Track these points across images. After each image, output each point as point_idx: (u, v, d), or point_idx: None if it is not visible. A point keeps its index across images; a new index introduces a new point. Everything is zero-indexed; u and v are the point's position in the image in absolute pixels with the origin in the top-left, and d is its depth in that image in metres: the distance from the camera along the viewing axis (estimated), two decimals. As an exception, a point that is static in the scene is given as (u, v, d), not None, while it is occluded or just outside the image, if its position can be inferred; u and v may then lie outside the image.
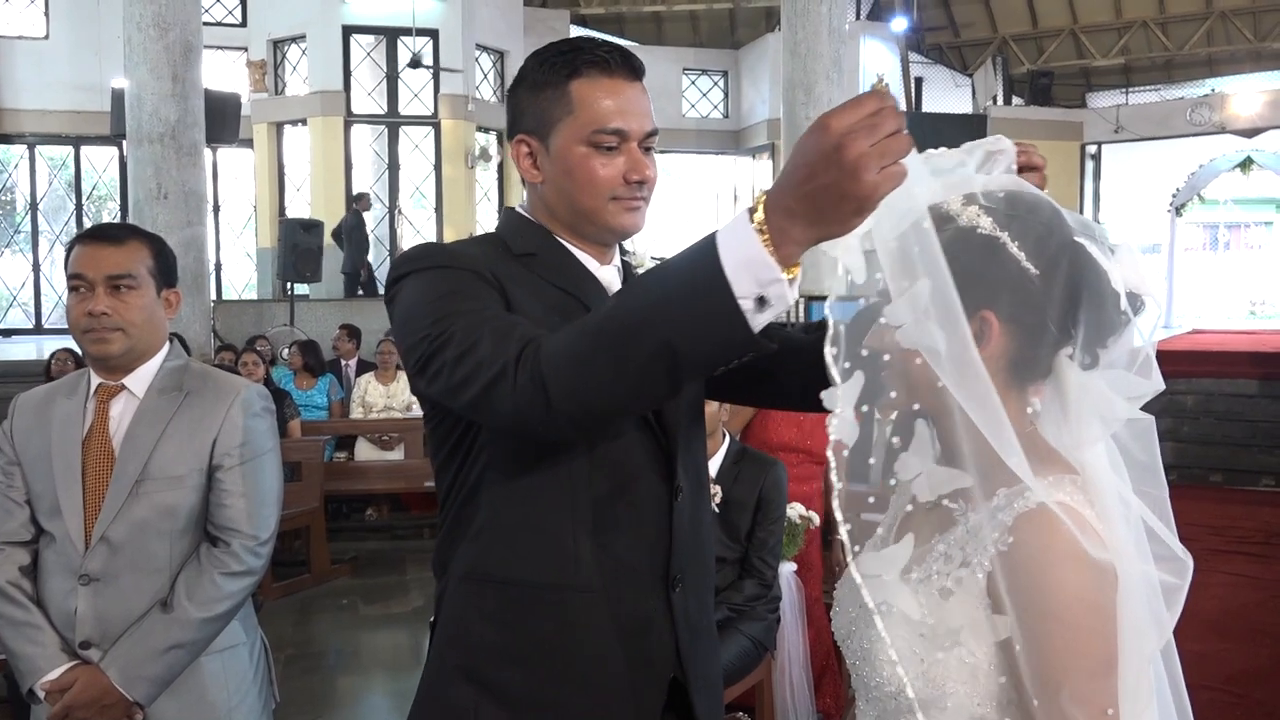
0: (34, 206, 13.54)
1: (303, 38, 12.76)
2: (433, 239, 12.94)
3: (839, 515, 1.06)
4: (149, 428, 1.93)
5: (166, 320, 2.03)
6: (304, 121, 12.87)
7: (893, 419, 1.07)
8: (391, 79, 12.85)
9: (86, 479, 1.91)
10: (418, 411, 7.38)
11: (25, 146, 13.39)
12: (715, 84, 16.66)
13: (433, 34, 12.61)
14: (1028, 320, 1.04)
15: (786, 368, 1.45)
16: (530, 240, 1.42)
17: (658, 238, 13.77)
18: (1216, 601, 4.98)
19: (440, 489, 1.44)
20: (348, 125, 12.77)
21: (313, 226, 10.37)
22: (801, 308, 10.81)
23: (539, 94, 1.38)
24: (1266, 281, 17.23)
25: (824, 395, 1.06)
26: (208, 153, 9.35)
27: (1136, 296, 1.04)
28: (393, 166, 13.04)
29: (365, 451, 7.34)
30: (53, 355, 6.97)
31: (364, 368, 8.15)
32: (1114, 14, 16.73)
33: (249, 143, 12.81)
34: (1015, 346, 1.06)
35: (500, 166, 13.87)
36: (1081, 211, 16.00)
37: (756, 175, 16.39)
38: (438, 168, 13.04)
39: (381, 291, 8.06)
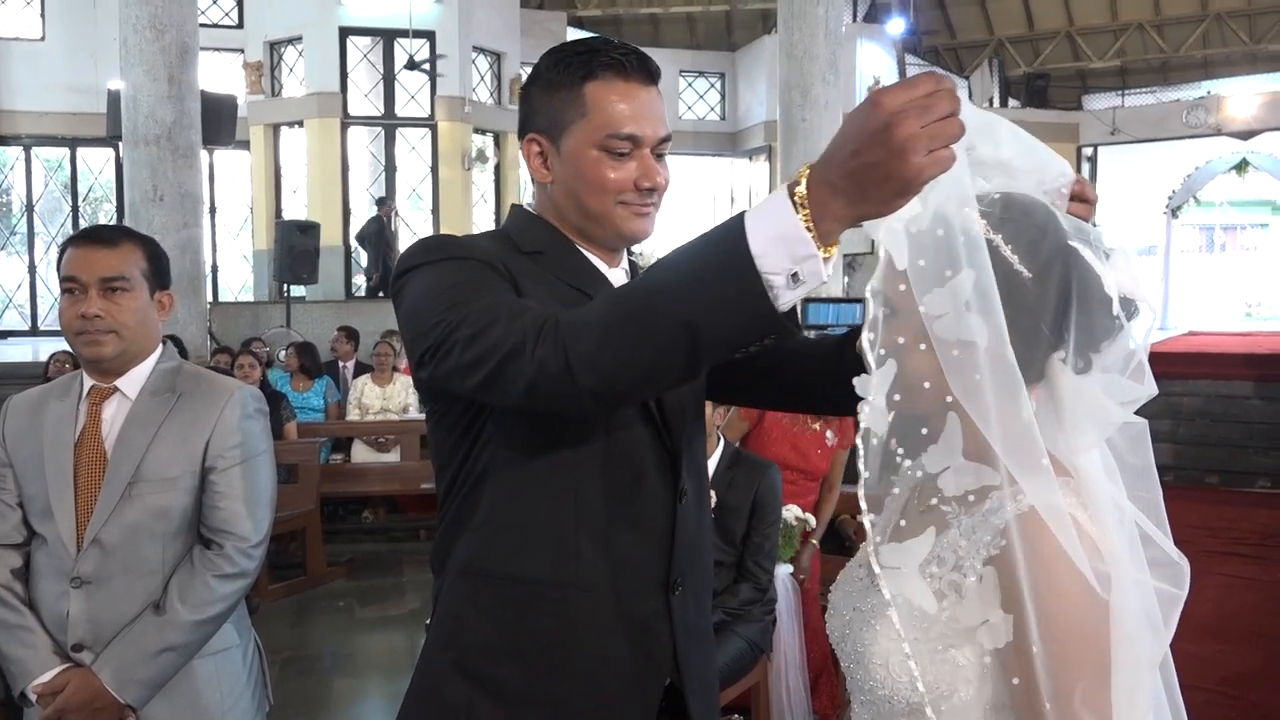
0: (30, 208, 13.52)
1: (299, 39, 12.75)
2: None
3: (863, 505, 1.05)
4: (141, 430, 1.92)
5: (160, 322, 2.02)
6: (300, 123, 12.86)
7: (924, 410, 1.05)
8: (388, 81, 12.85)
9: (79, 481, 1.90)
10: (414, 414, 7.44)
11: (21, 148, 13.37)
12: (712, 86, 16.68)
13: (429, 35, 12.61)
14: (1021, 323, 1.03)
15: (791, 369, 1.45)
16: (538, 238, 1.41)
17: (656, 239, 13.74)
18: (1212, 603, 4.99)
19: (441, 484, 1.43)
20: (344, 127, 12.77)
21: (309, 228, 10.36)
22: (799, 307, 10.82)
23: (553, 94, 1.37)
24: (1262, 283, 17.27)
25: (857, 382, 1.04)
26: (204, 154, 9.33)
27: (1130, 301, 1.04)
28: (389, 168, 13.03)
29: (361, 453, 7.33)
30: (51, 357, 6.95)
31: (361, 369, 8.14)
32: (1110, 16, 16.77)
33: (245, 144, 12.80)
34: (1008, 350, 1.05)
35: (497, 168, 13.87)
36: (1078, 213, 16.02)
37: (753, 177, 16.41)
38: (434, 169, 13.04)
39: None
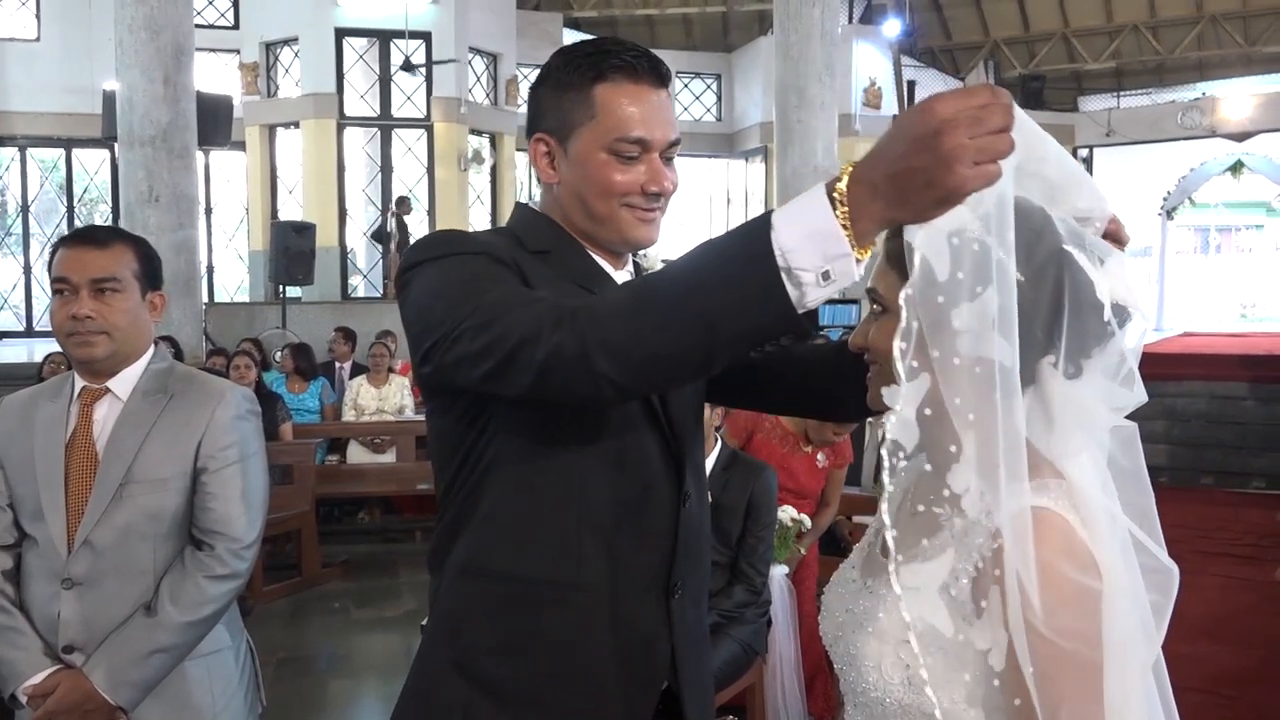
0: (25, 209, 13.51)
1: (295, 40, 12.75)
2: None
3: (886, 520, 1.04)
4: (133, 431, 1.91)
5: (151, 323, 2.01)
6: (296, 124, 12.85)
7: (953, 428, 1.04)
8: (384, 81, 12.84)
9: (70, 482, 1.90)
10: (410, 414, 7.44)
11: (16, 149, 13.36)
12: (708, 87, 16.70)
13: (425, 36, 12.61)
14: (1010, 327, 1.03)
15: (791, 372, 1.44)
16: (545, 238, 1.39)
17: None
18: (1207, 604, 4.98)
19: (441, 482, 1.42)
20: (340, 128, 12.77)
21: (305, 229, 10.35)
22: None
23: (562, 95, 1.35)
24: (1257, 284, 17.31)
25: (886, 392, 1.03)
26: (199, 155, 9.32)
27: (1123, 308, 1.04)
28: (385, 169, 13.03)
29: (357, 454, 7.32)
30: (46, 358, 6.93)
31: (358, 370, 8.14)
32: (1105, 18, 16.79)
33: (241, 145, 12.80)
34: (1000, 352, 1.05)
35: (493, 169, 13.86)
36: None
37: (750, 178, 16.43)
38: (430, 171, 13.04)
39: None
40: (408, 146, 13.10)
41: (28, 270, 13.43)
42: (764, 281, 0.99)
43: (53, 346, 7.29)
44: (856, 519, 4.00)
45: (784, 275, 0.99)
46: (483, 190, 13.89)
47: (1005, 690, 1.00)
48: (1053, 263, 1.03)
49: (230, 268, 14.14)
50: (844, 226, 0.96)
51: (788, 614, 3.67)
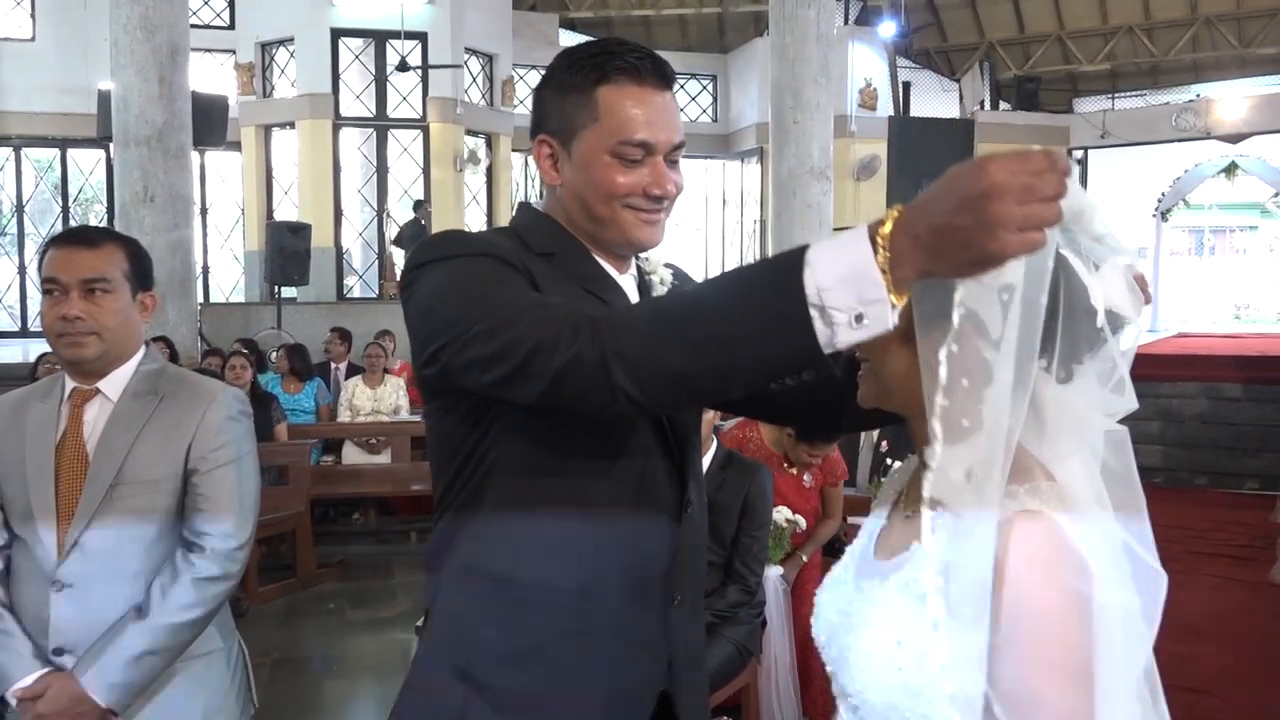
0: (20, 209, 13.48)
1: (291, 40, 12.73)
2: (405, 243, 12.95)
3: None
4: (123, 432, 1.90)
5: (142, 323, 2.00)
6: (292, 124, 12.84)
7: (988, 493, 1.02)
8: (380, 82, 12.83)
9: (60, 484, 1.89)
10: (405, 415, 7.44)
11: (11, 149, 13.33)
12: (704, 88, 16.70)
13: (421, 37, 12.60)
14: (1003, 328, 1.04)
15: (793, 387, 1.43)
16: (549, 239, 1.38)
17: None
18: (1201, 604, 5.01)
19: (440, 482, 1.41)
20: (336, 128, 12.75)
21: (300, 229, 10.34)
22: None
23: (565, 96, 1.35)
24: (1251, 286, 17.35)
25: (927, 450, 1.03)
26: (195, 155, 9.31)
27: (1117, 315, 1.04)
28: (381, 170, 13.02)
29: (352, 455, 7.32)
30: (40, 358, 6.92)
31: (354, 371, 8.13)
32: (1100, 19, 16.81)
33: (237, 145, 12.78)
34: (980, 349, 1.05)
35: (489, 170, 13.86)
36: (1068, 216, 16.09)
37: (745, 179, 16.44)
38: (426, 171, 13.02)
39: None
40: (403, 147, 13.09)
41: (22, 270, 13.40)
42: (790, 314, 0.98)
43: (47, 346, 7.28)
44: (851, 520, 4.00)
45: (816, 312, 0.97)
46: (479, 191, 13.87)
47: (996, 693, 1.00)
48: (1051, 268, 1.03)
49: (226, 268, 14.12)
50: (883, 271, 0.94)
51: (782, 614, 3.67)
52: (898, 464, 1.03)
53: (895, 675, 1.05)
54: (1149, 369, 8.27)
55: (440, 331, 1.22)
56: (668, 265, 1.53)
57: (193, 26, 9.13)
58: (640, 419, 1.34)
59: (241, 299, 13.28)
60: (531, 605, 1.33)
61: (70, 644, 1.86)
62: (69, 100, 12.56)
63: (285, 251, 9.87)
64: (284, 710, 4.15)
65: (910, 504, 1.15)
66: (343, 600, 5.76)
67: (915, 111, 16.32)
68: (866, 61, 15.22)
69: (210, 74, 12.77)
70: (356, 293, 13.14)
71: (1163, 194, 15.86)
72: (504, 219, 13.23)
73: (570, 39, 15.10)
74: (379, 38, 12.66)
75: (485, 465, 1.34)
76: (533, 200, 1.50)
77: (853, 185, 14.67)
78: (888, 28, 15.15)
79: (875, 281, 0.94)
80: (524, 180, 14.82)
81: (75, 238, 1.94)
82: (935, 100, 16.93)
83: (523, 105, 13.76)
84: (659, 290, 1.48)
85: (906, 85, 16.26)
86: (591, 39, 1.42)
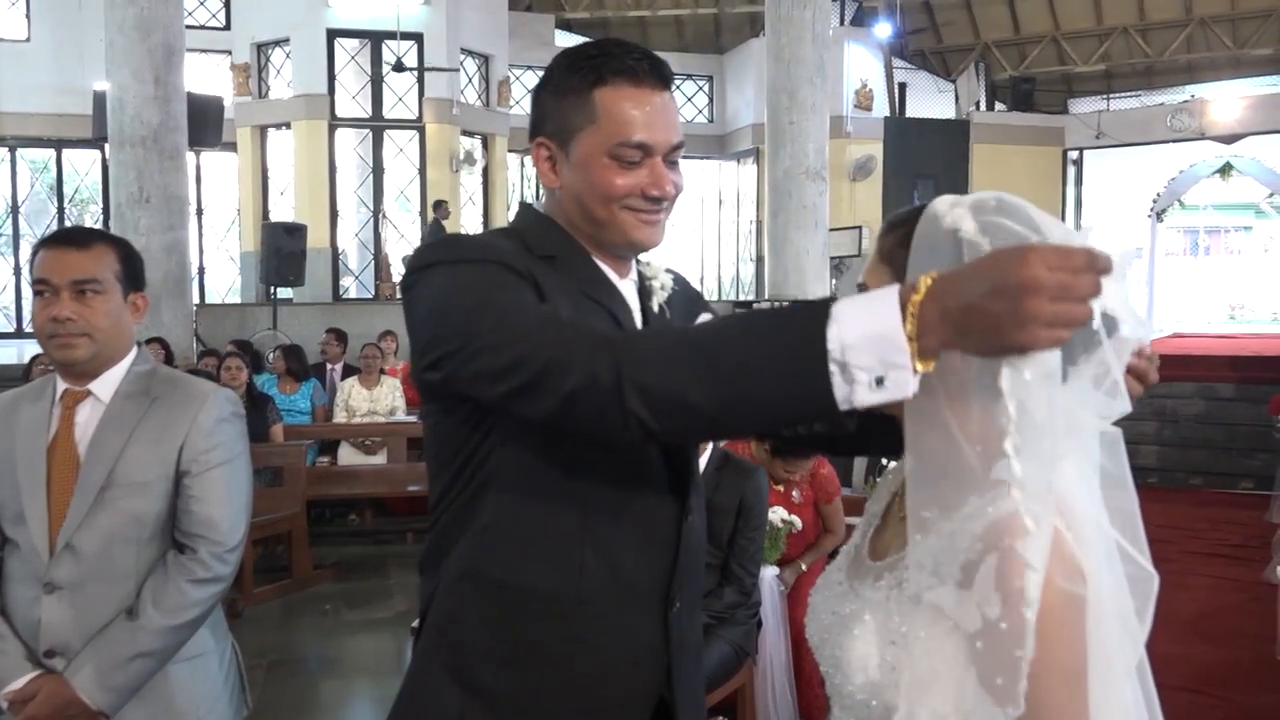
0: (15, 210, 13.46)
1: (286, 41, 12.72)
2: (417, 243, 12.93)
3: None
4: (115, 433, 1.89)
5: (134, 325, 1.99)
6: (288, 125, 12.82)
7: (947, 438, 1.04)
8: (376, 83, 12.82)
9: (51, 485, 1.88)
10: (401, 416, 7.43)
11: (6, 149, 13.31)
12: (700, 89, 16.70)
13: (417, 38, 12.60)
14: None
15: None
16: (550, 243, 1.38)
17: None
18: (1196, 604, 5.01)
19: (437, 485, 1.40)
20: (332, 129, 12.74)
21: (296, 230, 10.33)
22: (785, 312, 10.84)
23: (562, 99, 1.34)
24: (1246, 286, 17.39)
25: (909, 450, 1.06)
26: (190, 156, 9.31)
27: (1112, 318, 1.04)
28: (377, 170, 13.01)
29: (348, 456, 7.31)
30: (33, 359, 6.91)
31: (350, 372, 8.12)
32: (1095, 20, 16.84)
33: (232, 146, 12.77)
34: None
35: (485, 170, 13.85)
36: (1063, 217, 16.14)
37: (741, 180, 16.44)
38: (422, 172, 13.02)
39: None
40: (399, 148, 13.08)
41: (18, 271, 13.37)
42: (811, 368, 0.98)
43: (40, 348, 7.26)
44: (847, 519, 4.00)
45: (837, 368, 0.97)
46: (475, 191, 13.87)
47: (990, 693, 1.00)
48: None
49: (221, 269, 14.10)
50: (909, 339, 0.94)
51: (778, 615, 3.67)
52: (893, 464, 1.03)
53: (889, 675, 1.05)
54: (1144, 369, 8.25)
55: (445, 339, 1.22)
56: (669, 270, 1.53)
57: (188, 27, 9.12)
58: None
59: (237, 300, 13.26)
60: (530, 611, 1.33)
61: (61, 646, 1.85)
62: (64, 101, 12.54)
63: (281, 252, 9.86)
64: (280, 711, 4.14)
65: (904, 504, 1.15)
66: (339, 601, 5.75)
67: (911, 112, 16.35)
68: (862, 62, 15.23)
69: (206, 75, 12.75)
70: (352, 293, 13.13)
71: (1158, 194, 15.88)
72: (500, 219, 13.24)
73: (566, 40, 15.09)
74: (375, 38, 12.66)
75: (485, 470, 1.33)
76: (532, 201, 1.49)
77: (848, 186, 14.68)
78: (883, 29, 15.16)
79: (900, 347, 0.94)
80: (520, 181, 14.81)
81: (66, 238, 1.93)
82: (931, 101, 16.96)
83: (519, 106, 13.75)
84: (660, 296, 1.48)
85: (902, 86, 16.29)
86: (588, 40, 1.41)
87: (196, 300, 10.76)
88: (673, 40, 17.22)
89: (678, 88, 16.35)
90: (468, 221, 13.47)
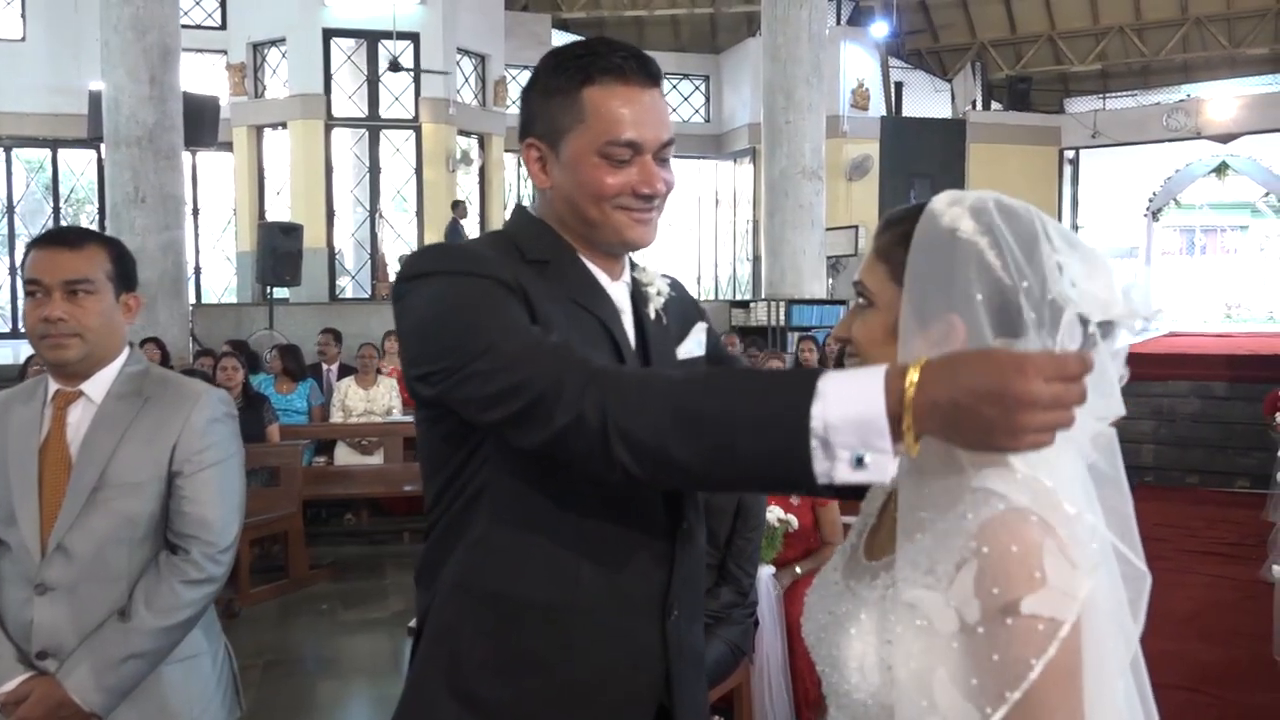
0: (11, 210, 13.44)
1: (282, 41, 12.71)
2: (413, 243, 12.93)
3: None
4: (107, 434, 1.88)
5: (126, 325, 1.98)
6: (284, 125, 12.82)
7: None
8: (372, 82, 12.82)
9: (43, 486, 1.87)
10: (398, 415, 7.43)
11: (2, 149, 13.29)
12: (696, 88, 16.71)
13: (413, 37, 12.60)
14: (994, 328, 1.04)
15: None
16: (543, 247, 1.37)
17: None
18: (1192, 602, 5.02)
19: (430, 491, 1.40)
20: (328, 129, 12.73)
21: (292, 230, 10.32)
22: (782, 310, 10.85)
23: (551, 99, 1.34)
24: (1242, 285, 17.42)
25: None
26: (186, 156, 9.30)
27: (1109, 322, 1.05)
28: (373, 170, 13.01)
29: (345, 456, 7.30)
30: (28, 359, 6.90)
31: (345, 372, 8.11)
32: (1091, 20, 16.87)
33: (228, 146, 12.76)
34: (968, 346, 1.05)
35: (481, 170, 13.85)
36: (1059, 216, 16.18)
37: (738, 179, 16.45)
38: (419, 171, 13.02)
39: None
40: (396, 147, 13.08)
41: (13, 271, 13.35)
42: (792, 445, 0.99)
43: (37, 348, 7.24)
44: (844, 519, 4.00)
45: (819, 443, 0.98)
46: (471, 191, 13.86)
47: (985, 691, 1.01)
48: (1044, 271, 1.04)
49: (217, 269, 14.09)
50: (893, 424, 0.95)
51: (774, 614, 3.68)
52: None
53: (885, 675, 1.05)
54: (1140, 368, 8.24)
55: (434, 356, 1.23)
56: (665, 276, 1.52)
57: (184, 27, 9.12)
58: None
59: (233, 300, 13.25)
60: (526, 621, 1.32)
61: (54, 648, 1.84)
62: (60, 101, 12.53)
63: (277, 252, 9.85)
64: (276, 711, 4.13)
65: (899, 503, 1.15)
66: (335, 601, 5.74)
67: (907, 112, 16.37)
68: (858, 62, 15.25)
69: (202, 74, 12.74)
70: (349, 293, 13.13)
71: (1154, 194, 15.93)
72: (496, 219, 13.24)
73: (563, 39, 15.08)
74: (371, 38, 12.65)
75: (478, 479, 1.33)
76: (526, 204, 1.48)
77: (845, 185, 14.70)
78: (879, 28, 15.18)
79: (882, 433, 0.95)
80: (517, 180, 14.81)
81: (57, 239, 1.92)
82: (927, 100, 16.99)
83: (515, 105, 13.74)
84: (657, 302, 1.47)
85: (898, 85, 16.31)
86: (580, 39, 1.40)
87: (192, 300, 10.76)
88: (669, 40, 17.22)
89: (674, 87, 16.38)
90: (464, 221, 13.46)
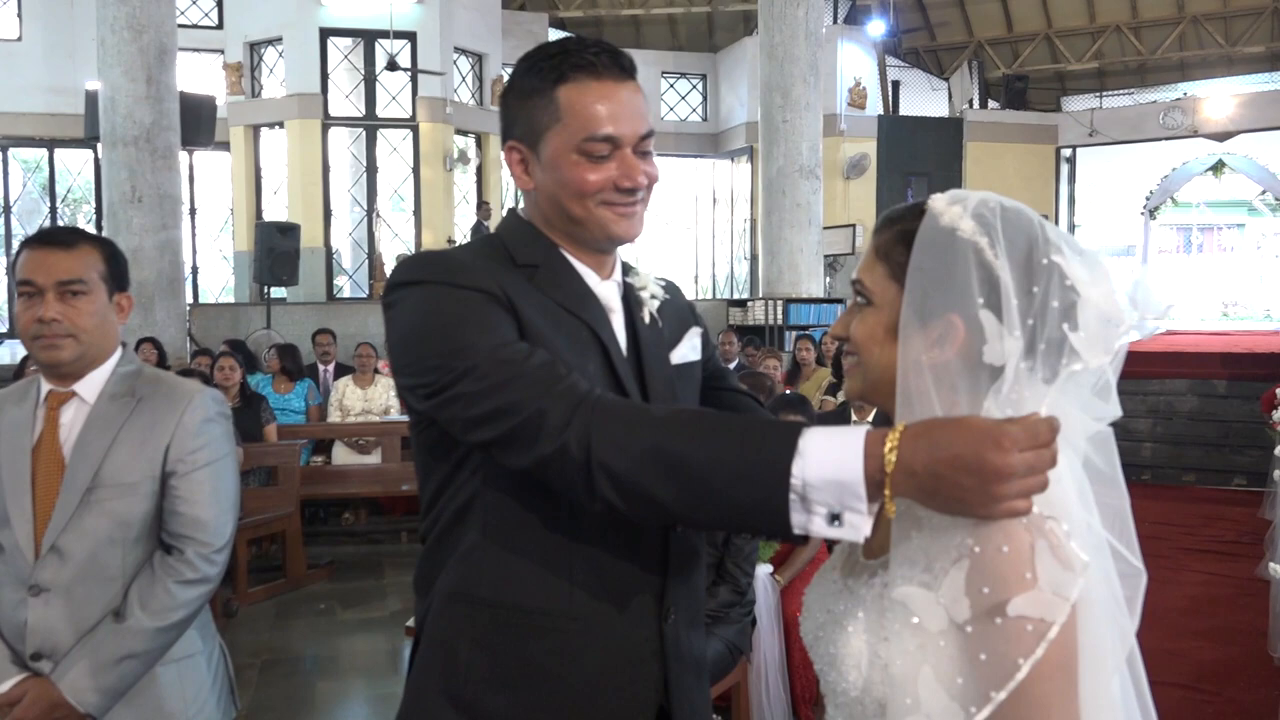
0: (7, 209, 13.42)
1: (279, 40, 12.69)
2: (411, 243, 12.92)
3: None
4: (100, 434, 1.88)
5: (119, 325, 1.97)
6: (281, 124, 12.80)
7: None
8: (369, 81, 12.80)
9: (36, 488, 1.86)
10: (395, 415, 7.42)
11: (-2, 149, 13.29)
12: (694, 87, 16.70)
13: (410, 36, 12.58)
14: (993, 326, 1.05)
15: None
16: (534, 251, 1.38)
17: (640, 240, 13.76)
18: (1189, 600, 5.03)
19: (425, 496, 1.40)
20: (325, 128, 12.72)
21: (289, 229, 10.31)
22: (779, 309, 10.86)
23: (527, 100, 1.35)
24: (1239, 283, 17.43)
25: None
26: (183, 155, 9.29)
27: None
28: (370, 169, 12.99)
29: (342, 455, 7.30)
30: (24, 359, 6.90)
31: (342, 371, 8.11)
32: (1088, 19, 16.89)
33: (225, 145, 12.74)
34: (978, 352, 1.06)
35: (479, 169, 13.84)
36: (1056, 214, 16.19)
37: (735, 178, 16.45)
38: (416, 171, 13.00)
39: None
40: (393, 146, 13.06)
41: (10, 271, 13.32)
42: (771, 494, 1.04)
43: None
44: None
45: (797, 499, 1.02)
46: (468, 190, 13.86)
47: (981, 687, 1.01)
48: (1042, 270, 1.04)
49: (215, 269, 14.08)
50: (869, 488, 0.99)
51: (772, 613, 3.68)
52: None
53: (882, 672, 1.05)
54: (1137, 366, 8.31)
55: (419, 370, 1.25)
56: (659, 279, 1.51)
57: (180, 26, 9.11)
58: None
59: (231, 300, 13.23)
60: (521, 628, 1.32)
61: (48, 649, 1.84)
62: (56, 100, 12.52)
63: (274, 252, 9.84)
64: (274, 711, 4.13)
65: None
66: (333, 601, 5.75)
67: (904, 110, 16.37)
68: (855, 60, 15.25)
69: (198, 74, 12.73)
70: (346, 293, 13.11)
71: (1150, 192, 15.94)
72: (493, 219, 13.22)
73: (560, 38, 15.07)
74: (368, 37, 12.64)
75: (467, 489, 1.34)
76: (517, 206, 1.49)
77: (842, 184, 14.70)
78: (876, 27, 15.19)
79: (859, 496, 1.00)
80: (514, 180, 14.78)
81: (50, 239, 1.91)
82: (924, 99, 16.99)
83: (512, 105, 13.71)
84: (651, 305, 1.46)
85: (895, 84, 16.31)
86: (554, 39, 1.41)
87: (190, 300, 10.75)
88: (666, 39, 17.23)
89: (671, 86, 16.38)
90: (461, 221, 13.47)
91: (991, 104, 17.19)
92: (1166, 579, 5.34)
